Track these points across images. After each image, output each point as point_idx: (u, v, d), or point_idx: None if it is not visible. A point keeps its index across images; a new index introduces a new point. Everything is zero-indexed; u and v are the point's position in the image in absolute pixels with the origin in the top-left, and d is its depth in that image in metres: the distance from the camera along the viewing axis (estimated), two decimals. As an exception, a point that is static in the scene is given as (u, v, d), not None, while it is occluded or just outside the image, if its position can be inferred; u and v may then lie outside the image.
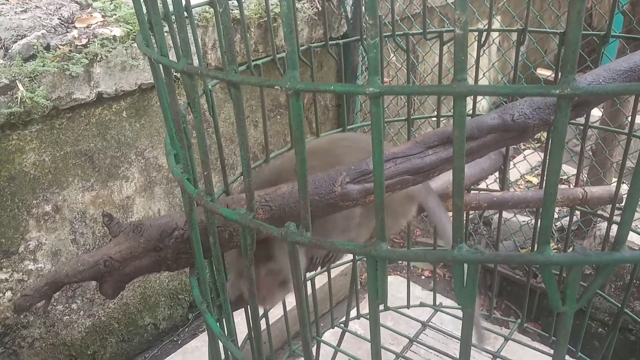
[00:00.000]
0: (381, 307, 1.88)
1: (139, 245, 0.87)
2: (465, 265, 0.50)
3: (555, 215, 2.70)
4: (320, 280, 1.75)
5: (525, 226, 2.59)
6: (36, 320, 1.90)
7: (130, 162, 2.01)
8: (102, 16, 1.77)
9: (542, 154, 3.24)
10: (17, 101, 1.55)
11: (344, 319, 1.87)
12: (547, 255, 0.46)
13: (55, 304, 1.94)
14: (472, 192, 1.49)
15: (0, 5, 1.72)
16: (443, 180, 1.41)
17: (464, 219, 1.74)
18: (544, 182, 0.44)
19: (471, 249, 0.48)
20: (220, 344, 0.82)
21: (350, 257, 1.91)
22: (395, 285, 2.28)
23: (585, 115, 1.45)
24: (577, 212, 2.44)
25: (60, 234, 1.88)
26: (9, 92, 1.56)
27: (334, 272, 2.18)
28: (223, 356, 0.93)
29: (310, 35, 2.41)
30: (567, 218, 2.66)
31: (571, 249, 2.06)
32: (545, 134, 3.76)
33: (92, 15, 1.73)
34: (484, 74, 3.48)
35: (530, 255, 0.47)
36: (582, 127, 1.41)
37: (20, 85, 1.54)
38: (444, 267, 2.75)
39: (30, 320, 1.88)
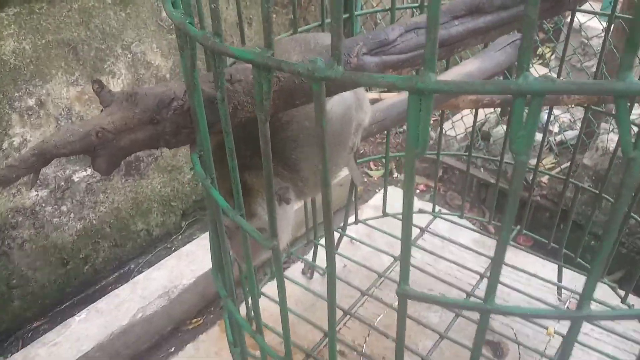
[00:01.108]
0: (379, 212, 1.86)
1: (133, 116, 0.79)
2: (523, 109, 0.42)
3: (556, 129, 2.65)
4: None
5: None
6: (25, 221, 1.84)
7: (117, 56, 1.88)
8: None
9: (547, 69, 3.14)
10: (-9, -22, 1.40)
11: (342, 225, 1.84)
12: (629, 83, 0.39)
13: (43, 204, 1.87)
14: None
15: None
16: (453, 73, 1.33)
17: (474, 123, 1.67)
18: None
19: (540, 78, 0.40)
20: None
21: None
22: (392, 195, 2.25)
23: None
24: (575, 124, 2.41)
25: (46, 131, 1.79)
26: (-19, -32, 1.41)
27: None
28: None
29: None
30: (568, 132, 2.61)
31: None
32: (547, 52, 3.64)
33: None
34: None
35: (610, 82, 0.39)
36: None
37: (-7, -40, 1.39)
38: (439, 180, 2.72)
39: (18, 221, 1.83)
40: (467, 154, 1.68)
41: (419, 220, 1.85)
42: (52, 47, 1.70)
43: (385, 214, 1.78)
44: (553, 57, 3.49)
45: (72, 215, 1.97)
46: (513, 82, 0.40)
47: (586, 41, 2.84)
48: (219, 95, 0.60)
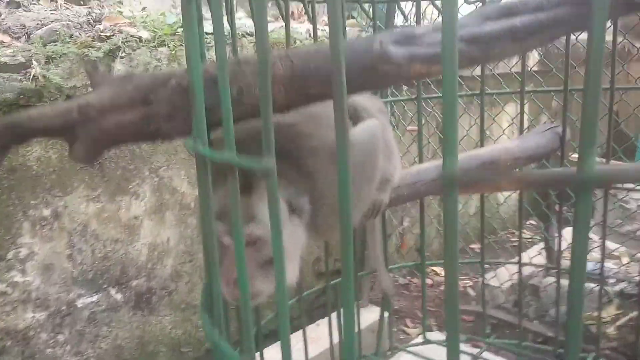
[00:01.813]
0: (420, 339, 1.58)
1: (124, 93, 0.69)
2: None
3: (612, 279, 2.38)
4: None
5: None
6: (13, 346, 1.63)
7: (143, 178, 1.86)
8: (131, 20, 1.74)
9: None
10: (30, 78, 1.46)
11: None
12: None
13: (39, 330, 1.67)
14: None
15: (31, 5, 1.71)
16: (492, 148, 1.22)
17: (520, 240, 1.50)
18: None
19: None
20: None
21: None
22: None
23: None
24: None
25: (56, 245, 1.68)
26: (22, 71, 1.48)
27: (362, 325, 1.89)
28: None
29: None
30: (629, 283, 2.34)
31: None
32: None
33: (121, 16, 1.70)
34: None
35: None
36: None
37: (35, 63, 1.46)
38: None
39: (6, 346, 1.61)
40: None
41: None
42: (78, 159, 1.69)
43: (426, 340, 1.50)
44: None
45: (68, 347, 1.75)
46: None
47: (625, 205, 2.77)
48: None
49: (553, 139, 1.29)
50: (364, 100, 0.96)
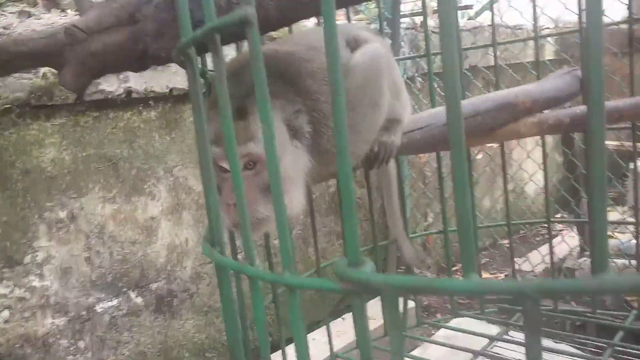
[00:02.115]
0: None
1: (110, 13, 0.68)
2: None
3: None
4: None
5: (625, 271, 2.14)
6: (34, 353, 1.60)
7: (158, 177, 1.85)
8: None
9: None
10: (40, 75, 1.48)
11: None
12: None
13: (58, 336, 1.64)
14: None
15: (42, 14, 1.75)
16: (512, 90, 1.18)
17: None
18: None
19: None
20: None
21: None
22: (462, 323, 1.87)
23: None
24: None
25: (74, 248, 1.66)
26: (32, 70, 1.50)
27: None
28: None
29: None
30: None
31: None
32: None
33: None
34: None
35: None
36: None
37: (43, 61, 1.48)
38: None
39: (26, 353, 1.58)
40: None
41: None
42: (92, 160, 1.69)
43: (455, 313, 1.43)
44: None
45: (89, 354, 1.71)
46: None
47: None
48: None
49: (573, 82, 1.24)
50: (370, 35, 0.93)
